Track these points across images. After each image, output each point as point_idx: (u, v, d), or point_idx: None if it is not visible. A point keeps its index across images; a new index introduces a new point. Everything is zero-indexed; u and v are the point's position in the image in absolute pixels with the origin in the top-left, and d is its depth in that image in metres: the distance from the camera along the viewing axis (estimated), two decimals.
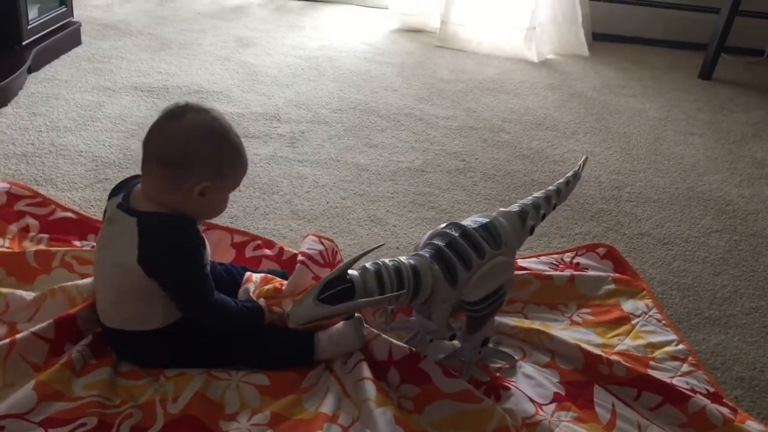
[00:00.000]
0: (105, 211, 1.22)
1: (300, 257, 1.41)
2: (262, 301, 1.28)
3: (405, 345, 1.29)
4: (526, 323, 1.45)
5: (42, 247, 1.47)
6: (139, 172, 1.19)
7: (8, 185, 1.59)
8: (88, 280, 1.32)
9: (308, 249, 1.44)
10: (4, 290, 1.30)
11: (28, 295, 1.30)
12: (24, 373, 1.16)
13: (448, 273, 1.19)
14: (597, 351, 1.37)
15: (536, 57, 3.17)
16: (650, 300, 1.58)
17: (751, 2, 3.22)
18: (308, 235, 1.53)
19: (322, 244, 1.47)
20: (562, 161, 2.25)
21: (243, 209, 1.75)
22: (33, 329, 1.20)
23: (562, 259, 1.68)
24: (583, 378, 1.34)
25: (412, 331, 1.37)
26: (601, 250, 1.71)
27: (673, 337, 1.48)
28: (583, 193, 2.05)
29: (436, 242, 1.23)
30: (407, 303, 1.19)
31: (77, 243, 1.51)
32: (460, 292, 1.21)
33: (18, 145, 1.91)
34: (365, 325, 1.31)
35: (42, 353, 1.20)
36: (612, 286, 1.60)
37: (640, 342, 1.44)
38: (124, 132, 2.04)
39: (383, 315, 1.33)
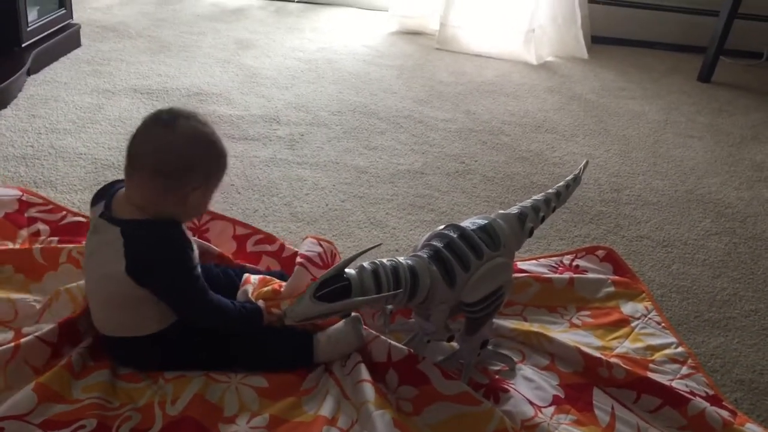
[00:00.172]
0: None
1: (299, 259, 1.41)
2: (260, 303, 1.28)
3: (404, 347, 1.29)
4: (526, 326, 1.45)
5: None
6: None
7: (20, 192, 1.59)
8: None
9: (307, 251, 1.44)
10: (14, 296, 1.31)
11: (37, 302, 1.30)
12: (24, 376, 1.16)
13: (447, 274, 1.19)
14: (596, 354, 1.37)
15: (535, 59, 3.17)
16: (650, 302, 1.58)
17: (750, 5, 3.22)
18: (307, 237, 1.53)
19: (321, 246, 1.47)
20: (562, 164, 2.25)
21: (242, 211, 1.75)
22: (37, 333, 1.20)
23: (561, 262, 1.68)
24: (583, 380, 1.34)
25: (411, 333, 1.37)
26: (600, 253, 1.72)
27: (672, 339, 1.47)
28: (582, 195, 2.05)
29: (434, 243, 1.23)
30: (404, 303, 1.19)
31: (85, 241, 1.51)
32: (458, 294, 1.21)
33: (17, 147, 1.91)
34: (364, 326, 1.31)
35: (44, 357, 1.20)
36: (611, 289, 1.60)
37: (640, 345, 1.44)
38: (123, 134, 2.04)
39: (382, 317, 1.33)
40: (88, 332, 1.25)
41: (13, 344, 1.17)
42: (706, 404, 1.28)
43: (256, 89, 2.51)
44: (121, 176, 1.19)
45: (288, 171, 1.99)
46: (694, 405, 1.28)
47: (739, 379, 1.43)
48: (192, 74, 2.56)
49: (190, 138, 1.15)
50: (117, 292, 1.15)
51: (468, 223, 1.27)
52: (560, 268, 1.65)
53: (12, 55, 2.30)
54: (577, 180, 1.42)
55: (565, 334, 1.45)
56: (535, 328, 1.44)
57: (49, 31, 2.48)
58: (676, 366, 1.40)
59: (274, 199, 1.84)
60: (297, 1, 3.64)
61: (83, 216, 1.59)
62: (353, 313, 1.29)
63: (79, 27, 2.68)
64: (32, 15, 2.39)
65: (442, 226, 1.27)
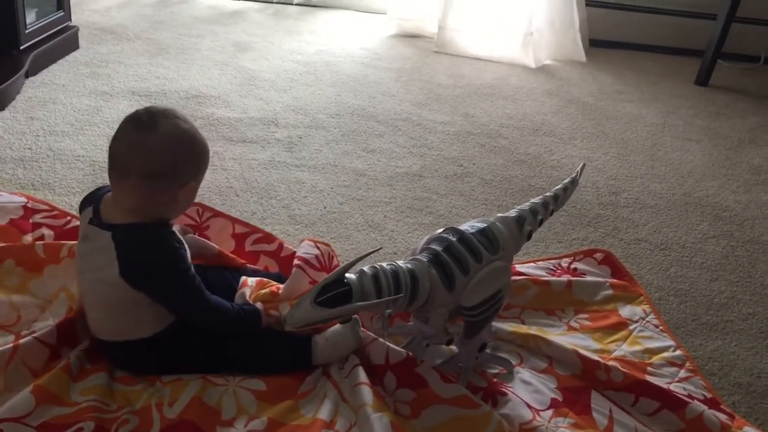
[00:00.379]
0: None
1: (296, 261, 1.41)
2: (259, 305, 1.28)
3: (402, 349, 1.29)
4: (524, 329, 1.45)
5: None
6: None
7: (26, 199, 1.59)
8: None
9: (304, 253, 1.44)
10: (16, 299, 1.31)
11: (38, 305, 1.30)
12: (24, 378, 1.16)
13: (446, 277, 1.19)
14: (594, 357, 1.37)
15: (533, 63, 3.17)
16: (648, 305, 1.58)
17: (748, 8, 3.22)
18: (304, 240, 1.53)
19: (318, 248, 1.48)
20: (560, 167, 2.25)
21: (240, 214, 1.74)
22: (36, 334, 1.20)
23: (559, 265, 1.68)
24: (581, 384, 1.34)
25: (409, 335, 1.37)
26: (598, 256, 1.72)
27: (670, 342, 1.48)
28: (580, 198, 2.06)
29: (433, 247, 1.23)
30: (404, 307, 1.19)
31: None
32: (457, 297, 1.21)
33: (15, 150, 1.91)
34: (362, 328, 1.31)
35: (43, 358, 1.20)
36: (610, 292, 1.60)
37: (638, 348, 1.45)
38: None
39: (381, 320, 1.32)
40: (85, 334, 1.25)
41: (11, 345, 1.17)
42: (704, 407, 1.28)
43: (254, 92, 2.51)
44: None
45: (286, 173, 1.99)
46: (692, 408, 1.28)
47: (737, 382, 1.43)
48: (190, 77, 2.56)
49: (174, 138, 1.15)
50: (112, 296, 1.15)
51: (467, 227, 1.27)
52: (558, 271, 1.65)
53: (10, 58, 2.30)
54: (574, 183, 1.42)
55: (563, 337, 1.45)
56: (533, 331, 1.44)
57: (47, 34, 2.48)
58: (674, 369, 1.40)
59: (272, 201, 1.84)
60: (295, 4, 3.64)
61: None
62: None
63: (78, 29, 2.68)
64: (30, 17, 2.39)
65: (441, 230, 1.27)
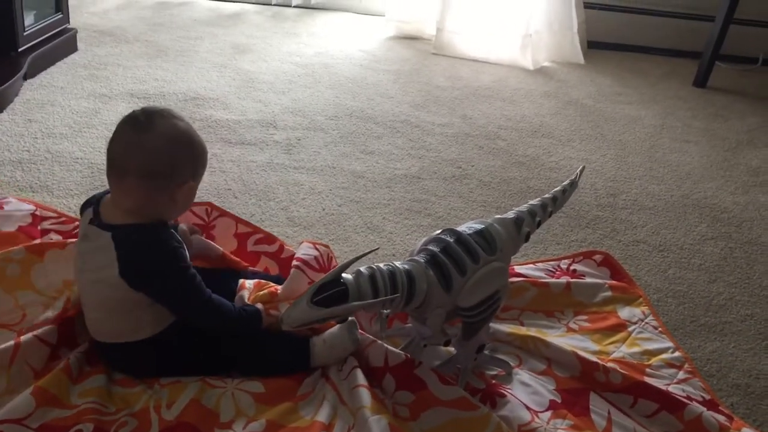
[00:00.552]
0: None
1: (295, 262, 1.41)
2: (259, 305, 1.28)
3: (401, 351, 1.29)
4: (523, 330, 1.45)
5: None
6: None
7: (34, 207, 1.59)
8: None
9: (303, 254, 1.44)
10: (21, 299, 1.31)
11: (44, 302, 1.30)
12: (26, 379, 1.16)
13: (443, 278, 1.19)
14: (593, 358, 1.37)
15: (532, 64, 3.18)
16: (647, 307, 1.58)
17: (746, 10, 3.23)
18: (303, 242, 1.53)
19: (317, 249, 1.48)
20: (558, 168, 2.26)
21: (239, 216, 1.74)
22: (36, 332, 1.20)
23: (558, 266, 1.68)
24: (579, 385, 1.33)
25: (408, 337, 1.37)
26: (598, 257, 1.72)
27: (669, 344, 1.48)
28: (578, 200, 2.06)
29: (431, 248, 1.23)
30: (401, 308, 1.19)
31: None
32: (454, 298, 1.21)
33: (14, 152, 1.91)
34: (360, 331, 1.31)
35: (43, 358, 1.20)
36: (608, 294, 1.60)
37: (637, 349, 1.45)
38: None
39: (379, 321, 1.32)
40: (83, 335, 1.25)
41: (13, 342, 1.17)
42: (702, 409, 1.28)
43: (252, 94, 2.51)
44: None
45: (285, 175, 1.99)
46: (690, 410, 1.28)
47: (736, 383, 1.43)
48: (189, 79, 2.56)
49: (172, 137, 1.15)
50: (111, 296, 1.15)
51: (464, 228, 1.27)
52: (557, 273, 1.65)
53: (8, 60, 2.30)
54: (573, 185, 1.42)
55: (562, 338, 1.45)
56: (532, 332, 1.44)
57: (46, 36, 2.48)
58: (672, 371, 1.40)
59: (270, 203, 1.84)
60: (294, 6, 3.65)
61: None
62: (349, 318, 1.30)
63: (76, 31, 2.68)
64: (29, 19, 2.39)
65: (439, 231, 1.27)
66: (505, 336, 1.42)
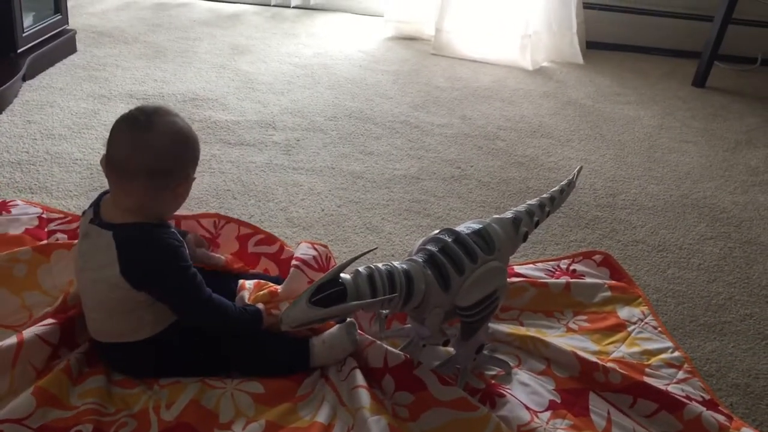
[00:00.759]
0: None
1: (294, 261, 1.42)
2: (260, 305, 1.28)
3: (400, 352, 1.29)
4: (522, 330, 1.45)
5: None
6: None
7: (41, 210, 1.60)
8: None
9: (302, 254, 1.45)
10: (28, 300, 1.31)
11: (50, 302, 1.31)
12: (29, 380, 1.16)
13: (441, 278, 1.19)
14: (593, 358, 1.37)
15: (531, 65, 3.18)
16: (646, 307, 1.58)
17: (744, 10, 3.23)
18: (301, 242, 1.53)
19: (316, 249, 1.48)
20: (557, 169, 2.26)
21: (238, 217, 1.74)
22: (38, 332, 1.20)
23: (558, 266, 1.68)
24: (579, 385, 1.33)
25: (407, 338, 1.37)
26: (597, 257, 1.72)
27: (669, 344, 1.48)
28: (578, 200, 2.06)
29: (429, 248, 1.23)
30: (400, 308, 1.19)
31: None
32: (453, 297, 1.21)
33: (13, 153, 1.91)
34: (359, 331, 1.31)
35: (44, 357, 1.20)
36: (608, 294, 1.60)
37: (636, 349, 1.45)
38: None
39: (378, 322, 1.32)
40: (83, 336, 1.25)
41: (16, 340, 1.17)
42: (702, 409, 1.28)
43: (251, 95, 2.51)
44: None
45: (284, 176, 1.99)
46: (690, 409, 1.28)
47: (735, 383, 1.43)
48: (188, 80, 2.56)
49: (174, 135, 1.16)
50: (111, 296, 1.15)
51: (463, 228, 1.27)
52: (557, 273, 1.65)
53: (7, 61, 2.30)
54: (571, 185, 1.42)
55: (561, 338, 1.45)
56: (531, 332, 1.44)
57: (45, 37, 2.48)
58: (672, 370, 1.40)
59: (270, 204, 1.84)
60: (293, 7, 3.65)
61: None
62: (348, 319, 1.30)
63: (75, 32, 2.68)
64: (27, 21, 2.39)
65: (437, 231, 1.27)
66: (504, 336, 1.42)
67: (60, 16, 2.59)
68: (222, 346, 1.23)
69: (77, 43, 2.70)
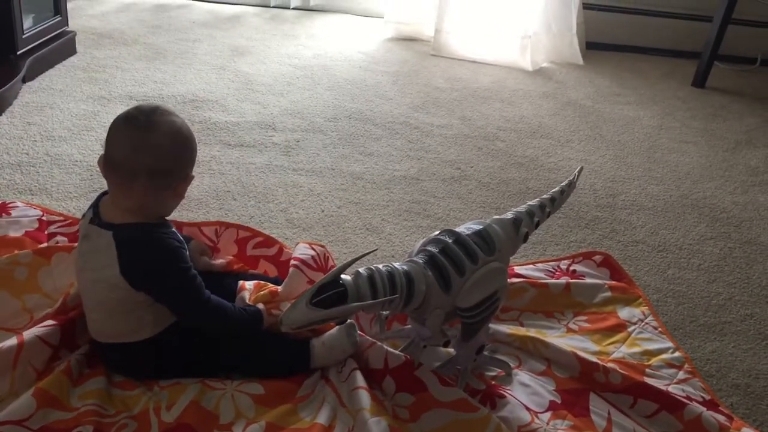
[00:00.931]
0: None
1: (293, 261, 1.42)
2: (260, 305, 1.28)
3: (401, 353, 1.29)
4: (522, 331, 1.45)
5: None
6: None
7: (41, 212, 1.60)
8: None
9: (301, 254, 1.45)
10: (28, 303, 1.31)
11: (51, 305, 1.31)
12: (29, 381, 1.16)
13: (442, 279, 1.19)
14: (593, 359, 1.37)
15: (530, 65, 3.18)
16: (646, 307, 1.58)
17: (744, 11, 3.24)
18: (299, 242, 1.53)
19: (314, 249, 1.48)
20: (557, 169, 2.26)
21: (238, 218, 1.74)
22: (39, 333, 1.20)
23: (558, 267, 1.68)
24: (579, 386, 1.33)
25: (407, 339, 1.37)
26: (597, 258, 1.72)
27: (669, 344, 1.48)
28: (577, 200, 2.06)
29: (429, 249, 1.23)
30: (400, 309, 1.19)
31: None
32: (453, 298, 1.21)
33: (12, 155, 1.91)
34: (359, 332, 1.31)
35: (45, 359, 1.20)
36: (608, 294, 1.60)
37: (636, 349, 1.44)
38: None
39: (378, 323, 1.32)
40: (83, 337, 1.25)
41: (16, 341, 1.17)
42: (702, 409, 1.28)
43: (251, 96, 2.51)
44: None
45: (284, 177, 1.99)
46: (690, 410, 1.28)
47: (735, 383, 1.43)
48: (187, 81, 2.56)
49: (173, 135, 1.16)
50: (111, 296, 1.15)
51: (463, 228, 1.27)
52: (557, 273, 1.65)
53: (7, 63, 2.30)
54: (571, 185, 1.42)
55: (561, 339, 1.45)
56: (531, 333, 1.44)
57: (45, 39, 2.48)
58: (672, 371, 1.40)
59: (270, 205, 1.84)
60: (293, 8, 3.65)
61: None
62: (348, 320, 1.29)
63: (75, 34, 2.68)
64: (27, 22, 2.39)
65: (438, 232, 1.27)
66: (504, 337, 1.42)
67: (60, 18, 2.59)
68: (222, 347, 1.23)
69: (77, 45, 2.70)
